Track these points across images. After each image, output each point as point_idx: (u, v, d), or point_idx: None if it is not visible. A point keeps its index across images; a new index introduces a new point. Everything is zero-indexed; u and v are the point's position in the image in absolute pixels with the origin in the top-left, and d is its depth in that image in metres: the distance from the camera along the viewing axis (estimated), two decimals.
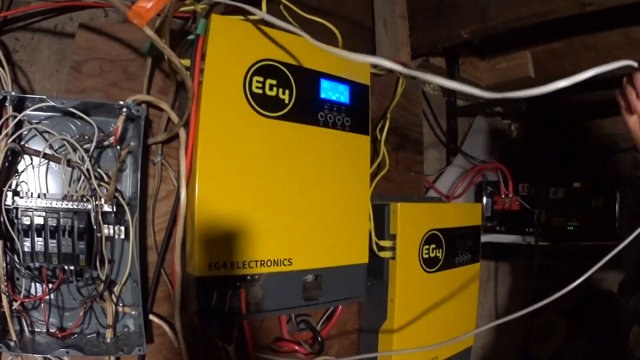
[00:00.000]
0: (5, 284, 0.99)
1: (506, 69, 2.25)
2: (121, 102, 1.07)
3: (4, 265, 0.99)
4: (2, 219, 0.99)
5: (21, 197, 1.03)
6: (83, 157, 1.04)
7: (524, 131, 2.75)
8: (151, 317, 1.17)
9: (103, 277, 1.07)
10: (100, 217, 1.05)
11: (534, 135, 2.83)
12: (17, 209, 1.03)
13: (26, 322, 1.06)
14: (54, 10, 1.29)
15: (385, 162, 1.59)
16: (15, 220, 1.02)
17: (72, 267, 1.04)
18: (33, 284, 1.07)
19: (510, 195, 2.00)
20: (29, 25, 1.27)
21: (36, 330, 1.08)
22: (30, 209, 1.02)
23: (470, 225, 1.68)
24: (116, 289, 1.12)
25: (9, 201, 1.01)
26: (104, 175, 1.10)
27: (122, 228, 1.10)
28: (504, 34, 1.71)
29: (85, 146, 1.06)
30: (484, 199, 2.08)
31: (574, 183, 1.86)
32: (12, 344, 1.00)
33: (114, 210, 1.08)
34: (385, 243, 1.42)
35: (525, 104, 2.48)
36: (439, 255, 1.54)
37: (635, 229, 0.92)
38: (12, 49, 1.24)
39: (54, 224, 1.01)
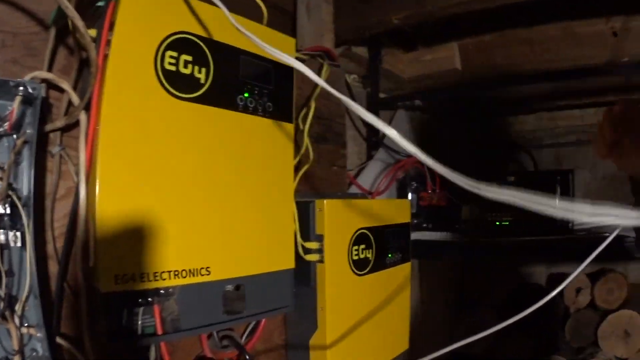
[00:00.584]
0: None
1: (431, 61, 2.23)
2: (15, 80, 0.88)
3: None
4: None
5: None
6: None
7: (447, 125, 2.74)
8: (58, 339, 0.98)
9: (2, 294, 0.88)
10: None
11: (458, 130, 2.83)
12: None
13: None
14: None
15: (308, 156, 1.46)
16: None
17: None
18: None
19: (437, 191, 1.94)
20: None
21: None
22: None
23: (400, 222, 1.60)
24: (17, 307, 0.91)
25: None
26: None
27: (19, 234, 0.90)
28: (431, 25, 1.65)
29: None
30: (410, 195, 2.01)
31: (508, 177, 1.83)
32: None
33: (7, 212, 0.89)
34: (312, 245, 1.29)
35: (448, 97, 2.47)
36: (370, 256, 1.43)
37: None
38: None
39: None
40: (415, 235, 1.92)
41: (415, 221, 1.98)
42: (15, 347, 0.90)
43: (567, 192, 1.72)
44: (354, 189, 1.98)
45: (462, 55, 2.11)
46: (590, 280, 2.95)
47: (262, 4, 1.24)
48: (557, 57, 1.92)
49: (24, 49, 1.02)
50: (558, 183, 1.70)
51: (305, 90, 1.55)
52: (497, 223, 1.83)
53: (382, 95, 2.34)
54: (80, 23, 0.87)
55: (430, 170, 1.95)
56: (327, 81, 1.50)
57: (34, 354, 0.95)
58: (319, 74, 1.57)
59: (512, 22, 1.94)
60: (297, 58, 1.39)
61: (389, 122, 2.30)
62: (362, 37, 1.84)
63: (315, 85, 1.54)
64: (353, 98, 2.11)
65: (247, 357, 1.21)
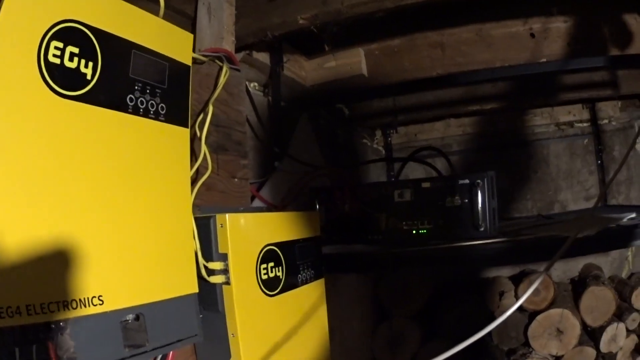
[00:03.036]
0: None
1: (335, 67, 2.23)
2: None
3: None
4: None
5: None
6: None
7: (349, 134, 2.74)
8: None
9: None
10: None
11: (360, 139, 2.84)
12: None
13: None
14: None
15: (206, 166, 1.38)
16: None
17: None
18: None
19: (347, 202, 1.91)
20: None
21: None
22: None
23: (310, 236, 1.55)
24: None
25: None
26: None
27: None
28: (338, 29, 1.63)
29: None
30: (318, 207, 1.97)
31: (422, 183, 1.81)
32: None
33: None
34: (216, 265, 1.21)
35: (348, 109, 2.46)
36: (280, 274, 1.37)
37: None
38: None
39: None
40: (326, 249, 1.88)
41: (325, 234, 1.94)
42: None
43: (491, 195, 1.74)
44: (257, 203, 1.93)
45: (368, 60, 2.11)
46: (513, 282, 3.07)
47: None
48: (470, 60, 1.95)
49: None
50: (478, 186, 1.70)
51: (203, 95, 1.48)
52: (414, 232, 1.81)
53: (283, 103, 2.29)
54: None
55: (340, 180, 1.92)
56: (227, 85, 1.45)
57: None
58: (217, 77, 1.52)
59: (422, 26, 1.96)
60: (194, 60, 1.32)
61: (293, 132, 2.27)
62: (264, 39, 1.79)
63: (214, 89, 1.49)
64: (254, 105, 2.07)
65: None
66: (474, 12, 1.79)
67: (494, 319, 2.56)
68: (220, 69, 1.53)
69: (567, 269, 3.23)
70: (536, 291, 2.86)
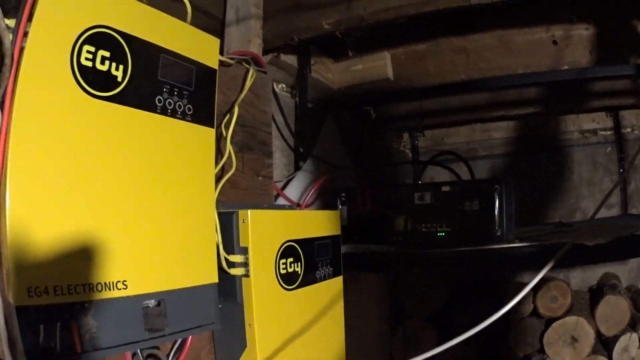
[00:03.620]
0: None
1: (362, 71, 2.25)
2: None
3: None
4: None
5: None
6: None
7: (375, 137, 2.76)
8: None
9: None
10: None
11: (386, 141, 2.86)
12: None
13: None
14: None
15: (231, 164, 1.43)
16: None
17: None
18: None
19: (368, 202, 1.95)
20: None
21: None
22: None
23: (330, 235, 1.59)
24: None
25: None
26: None
27: None
28: (363, 33, 1.67)
29: None
30: (340, 207, 2.02)
31: (442, 187, 1.84)
32: None
33: None
34: (236, 258, 1.27)
35: (375, 111, 2.49)
36: (298, 270, 1.42)
37: None
38: None
39: None
40: (346, 249, 1.92)
41: (346, 234, 1.98)
42: None
43: (509, 200, 1.76)
44: (281, 201, 1.97)
45: (394, 64, 2.14)
46: (532, 288, 3.03)
47: (188, 4, 1.22)
48: (493, 65, 1.97)
49: None
50: (496, 191, 1.72)
51: (230, 96, 1.54)
52: (433, 234, 1.84)
53: (310, 105, 2.33)
54: None
55: (363, 181, 1.96)
56: (253, 87, 1.51)
57: None
58: (244, 79, 1.57)
59: (446, 31, 1.98)
60: (221, 62, 1.39)
61: (318, 132, 2.31)
62: (291, 43, 1.83)
63: (240, 90, 1.54)
64: (280, 107, 2.11)
65: None
66: (496, 18, 1.81)
67: (509, 323, 2.57)
68: (247, 71, 1.58)
69: (585, 277, 3.20)
70: (553, 298, 2.85)
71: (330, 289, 1.57)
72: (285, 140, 2.17)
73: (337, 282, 1.61)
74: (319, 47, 2.15)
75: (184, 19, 1.20)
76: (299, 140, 2.18)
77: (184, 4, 1.22)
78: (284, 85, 2.26)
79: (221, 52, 1.74)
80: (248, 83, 1.56)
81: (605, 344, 2.92)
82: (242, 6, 1.82)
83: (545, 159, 3.31)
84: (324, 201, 2.07)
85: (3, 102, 0.87)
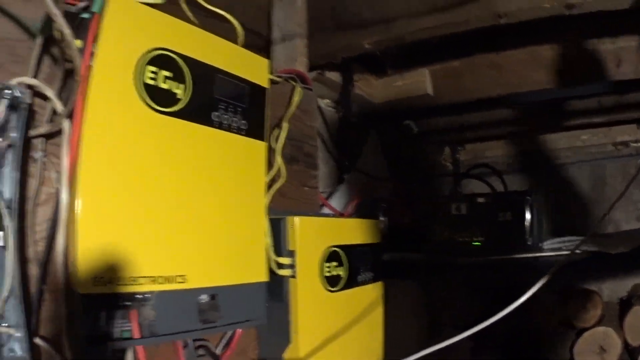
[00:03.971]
0: None
1: (402, 86, 2.28)
2: (4, 83, 0.95)
3: None
4: None
5: None
6: None
7: (416, 150, 2.80)
8: (37, 340, 1.01)
9: None
10: None
11: (427, 154, 2.89)
12: None
13: None
14: None
15: (280, 174, 1.53)
16: None
17: None
18: None
19: (407, 213, 2.02)
20: None
21: None
22: None
23: (372, 242, 1.65)
24: None
25: None
26: None
27: (1, 234, 0.95)
28: (402, 50, 1.73)
29: None
30: (380, 217, 2.08)
31: (478, 198, 1.89)
32: None
33: None
34: (284, 260, 1.35)
35: (415, 125, 2.54)
36: (341, 273, 1.49)
37: None
38: None
39: None
40: (386, 257, 1.97)
41: (386, 243, 2.04)
42: None
43: (539, 211, 1.80)
44: (326, 211, 2.04)
45: (433, 80, 2.17)
46: (564, 298, 3.04)
47: (238, 26, 1.32)
48: (524, 80, 2.00)
49: (8, 54, 1.08)
50: (527, 203, 1.77)
51: (278, 112, 1.62)
52: (468, 244, 1.88)
53: (354, 119, 2.39)
54: (67, 32, 0.93)
55: (400, 192, 2.03)
56: (300, 103, 1.60)
57: (12, 354, 0.98)
58: (291, 95, 1.66)
59: (480, 48, 2.01)
60: (270, 80, 1.48)
61: (362, 146, 2.37)
62: (334, 62, 1.89)
63: (288, 106, 1.63)
64: (325, 122, 2.18)
65: None
66: (526, 35, 1.83)
67: (541, 333, 2.58)
68: (294, 88, 1.66)
69: (616, 288, 3.16)
70: (584, 309, 2.85)
71: (370, 293, 1.62)
72: (330, 153, 2.22)
73: (377, 287, 1.66)
74: (361, 64, 2.20)
75: (235, 41, 1.31)
76: (342, 153, 2.24)
77: (235, 27, 1.33)
78: (328, 101, 2.32)
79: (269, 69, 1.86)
80: (295, 100, 1.65)
81: (630, 353, 2.90)
82: (286, 25, 1.90)
83: (579, 171, 3.29)
84: (366, 211, 2.11)
85: (72, 114, 0.97)
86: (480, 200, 1.89)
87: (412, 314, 2.68)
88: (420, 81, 2.21)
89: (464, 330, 2.89)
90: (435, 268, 1.93)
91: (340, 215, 2.03)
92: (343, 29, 1.82)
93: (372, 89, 2.34)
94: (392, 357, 2.44)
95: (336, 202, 2.11)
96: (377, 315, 1.66)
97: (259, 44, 1.97)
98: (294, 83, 1.69)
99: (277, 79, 1.62)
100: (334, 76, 2.19)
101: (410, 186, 2.29)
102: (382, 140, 2.49)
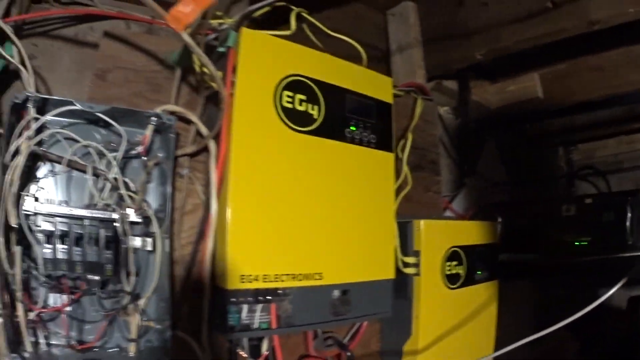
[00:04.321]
0: (22, 293, 0.91)
1: (515, 91, 2.23)
2: (151, 111, 1.03)
3: (21, 272, 0.91)
4: (20, 225, 0.91)
5: (41, 203, 0.96)
6: (110, 165, 1.00)
7: (533, 151, 2.73)
8: (177, 332, 1.10)
9: (129, 289, 1.01)
10: (127, 227, 0.99)
11: (541, 157, 2.81)
12: (37, 214, 0.95)
13: (42, 333, 0.98)
14: (75, 18, 1.26)
15: (406, 181, 1.56)
16: (34, 227, 0.94)
17: (96, 277, 0.96)
18: (52, 294, 0.99)
19: (522, 215, 1.98)
20: (48, 32, 1.23)
21: (52, 342, 0.99)
22: (53, 215, 0.95)
23: (489, 243, 1.64)
24: (142, 302, 1.05)
25: (29, 206, 0.94)
26: (130, 185, 1.04)
27: (149, 240, 1.04)
28: (512, 58, 1.71)
29: (112, 154, 1.01)
30: (498, 219, 2.05)
31: (585, 199, 1.83)
32: (26, 355, 0.93)
33: (141, 221, 1.03)
34: (410, 259, 1.38)
35: (532, 125, 2.46)
36: (461, 271, 1.49)
37: None
38: (31, 55, 1.17)
39: (79, 231, 0.95)
40: (502, 257, 1.95)
41: (503, 244, 2.01)
42: (134, 336, 1.02)
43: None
44: (448, 214, 2.04)
45: (543, 84, 2.12)
46: None
47: (362, 51, 1.37)
48: (623, 82, 1.90)
49: (147, 84, 1.18)
50: (628, 203, 1.68)
51: (402, 123, 1.65)
52: (576, 244, 1.82)
53: (472, 125, 2.34)
54: (212, 67, 1.00)
55: (516, 194, 1.99)
56: (422, 114, 1.61)
57: (149, 344, 1.07)
58: (413, 107, 1.68)
59: (583, 50, 1.94)
60: (393, 95, 1.50)
61: (481, 150, 2.33)
62: (449, 72, 1.90)
63: (411, 117, 1.66)
64: (445, 128, 2.17)
65: (349, 354, 1.31)
66: (623, 36, 1.74)
67: None
68: (416, 100, 1.68)
69: None
70: None
71: (486, 291, 1.61)
72: (451, 158, 2.21)
73: (493, 286, 1.65)
74: (476, 71, 2.18)
75: (358, 60, 1.35)
76: (463, 158, 2.23)
77: (359, 51, 1.38)
78: (447, 108, 2.30)
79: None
80: (418, 111, 1.67)
81: None
82: (403, 40, 1.93)
83: None
84: (486, 214, 2.08)
85: (218, 136, 1.05)
86: (588, 201, 1.81)
87: (525, 313, 2.61)
88: (530, 86, 2.15)
89: (573, 331, 2.77)
90: (549, 268, 1.87)
91: (462, 217, 2.03)
92: (455, 41, 1.83)
93: (488, 94, 2.31)
94: (504, 356, 2.39)
95: (458, 205, 2.11)
96: (491, 312, 1.65)
97: (379, 56, 2.00)
98: (415, 95, 1.71)
99: (400, 93, 1.65)
100: (451, 84, 2.18)
101: (526, 188, 2.22)
102: (500, 144, 2.45)
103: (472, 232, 1.59)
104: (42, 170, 1.00)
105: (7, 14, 1.12)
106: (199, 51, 0.96)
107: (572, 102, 2.09)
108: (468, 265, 1.52)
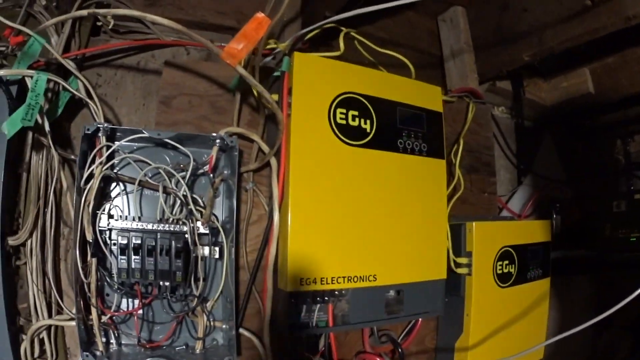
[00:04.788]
0: (96, 298, 1.04)
1: (567, 87, 2.22)
2: (215, 134, 1.13)
3: (95, 281, 1.04)
4: (96, 239, 1.04)
5: (115, 220, 1.09)
6: (179, 183, 1.12)
7: (587, 148, 2.69)
8: (241, 330, 1.22)
9: (196, 294, 1.12)
10: (196, 238, 1.11)
11: (596, 151, 2.77)
12: (110, 230, 1.09)
13: (114, 334, 1.12)
14: (136, 48, 1.37)
15: (460, 185, 1.62)
16: (109, 241, 1.09)
17: (167, 283, 1.09)
18: (123, 299, 1.13)
19: (577, 211, 1.99)
20: (110, 62, 1.35)
21: (123, 342, 1.13)
22: (127, 229, 1.09)
23: (541, 241, 1.67)
24: (209, 305, 1.18)
25: (103, 223, 1.07)
26: (199, 200, 1.16)
27: (217, 249, 1.16)
28: (562, 54, 1.71)
29: (181, 174, 1.13)
30: (554, 216, 2.07)
31: (635, 195, 1.83)
32: (98, 353, 1.06)
33: (209, 232, 1.15)
34: (462, 260, 1.44)
35: (588, 120, 2.45)
36: (512, 270, 1.54)
37: None
38: (95, 84, 1.31)
39: (152, 244, 1.07)
40: (557, 254, 1.96)
41: (558, 241, 2.03)
42: (200, 335, 1.16)
43: None
44: (505, 213, 2.08)
45: (594, 79, 2.10)
46: None
47: (410, 64, 1.45)
48: None
49: (210, 107, 1.29)
50: None
51: (456, 127, 1.72)
52: (628, 239, 1.82)
53: (528, 123, 2.39)
54: (267, 95, 1.09)
55: (573, 191, 2.01)
56: (475, 117, 1.66)
57: (214, 342, 1.21)
58: (467, 111, 1.74)
59: (630, 42, 1.90)
60: (446, 102, 1.57)
61: (538, 149, 2.34)
62: (501, 74, 1.92)
63: (464, 122, 1.71)
64: (500, 129, 2.19)
65: (400, 349, 1.39)
66: None
67: None
68: (468, 104, 1.74)
69: None
70: None
71: (538, 289, 1.64)
72: (508, 158, 2.23)
73: (545, 283, 1.67)
74: (529, 70, 2.20)
75: (409, 75, 1.44)
76: (519, 157, 2.24)
77: (408, 66, 1.46)
78: (503, 108, 2.34)
79: (444, 86, 1.93)
80: (470, 115, 1.72)
81: None
82: (455, 45, 1.97)
83: None
84: (542, 211, 2.13)
85: (278, 152, 1.16)
86: (637, 196, 1.81)
87: (581, 310, 2.59)
88: (582, 81, 2.12)
89: (628, 329, 2.71)
90: (604, 265, 1.88)
91: (518, 216, 2.05)
92: (504, 44, 1.84)
93: (542, 92, 2.29)
94: (557, 352, 2.40)
95: (515, 204, 2.14)
96: (543, 310, 1.67)
97: (434, 62, 2.05)
98: (467, 99, 1.76)
99: (452, 100, 1.71)
100: (505, 84, 2.20)
101: (583, 184, 2.21)
102: (556, 141, 2.43)
103: (523, 232, 1.62)
104: (115, 190, 1.13)
105: (67, 47, 1.25)
106: (254, 82, 1.05)
107: (621, 96, 2.07)
108: (519, 264, 1.56)
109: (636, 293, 0.90)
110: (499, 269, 1.50)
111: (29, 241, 1.15)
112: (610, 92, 2.06)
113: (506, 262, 1.52)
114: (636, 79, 1.95)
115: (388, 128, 1.29)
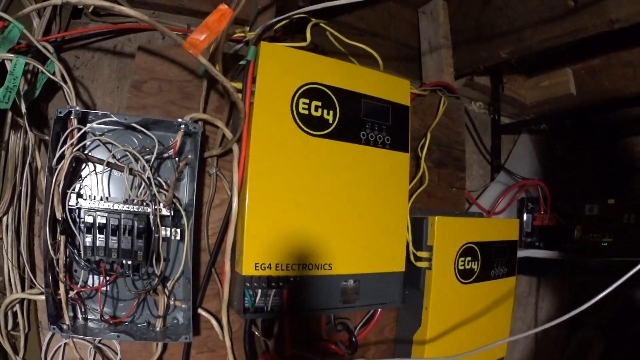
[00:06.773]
0: (64, 274, 1.12)
1: (549, 87, 2.26)
2: (179, 120, 1.20)
3: (64, 258, 1.13)
4: (65, 218, 1.12)
5: (84, 199, 1.17)
6: (144, 166, 1.19)
7: (567, 149, 2.74)
8: (200, 311, 1.31)
9: (158, 273, 1.20)
10: (158, 220, 1.19)
11: (576, 153, 2.81)
12: (79, 209, 1.17)
13: (80, 309, 1.21)
14: (113, 31, 1.45)
15: (425, 178, 1.67)
16: (78, 219, 1.16)
17: (129, 262, 1.17)
18: (90, 275, 1.22)
19: (549, 212, 2.06)
20: (88, 44, 1.43)
21: (89, 317, 1.22)
22: (93, 209, 1.17)
23: (507, 240, 1.72)
24: (169, 284, 1.26)
25: (72, 202, 1.15)
26: (163, 183, 1.23)
27: (178, 230, 1.23)
28: (545, 53, 1.75)
29: (146, 157, 1.20)
30: (525, 215, 2.13)
31: (608, 200, 1.89)
32: (64, 327, 1.14)
33: (172, 214, 1.22)
34: (423, 254, 1.50)
35: (569, 121, 2.50)
36: (475, 267, 1.59)
37: None
38: (73, 66, 1.40)
39: (116, 223, 1.16)
40: (526, 253, 2.06)
41: (528, 239, 2.12)
42: (161, 313, 1.24)
43: None
44: (475, 209, 2.14)
45: (576, 80, 2.15)
46: None
47: (378, 57, 1.49)
48: None
49: (179, 92, 1.36)
50: None
51: (427, 122, 1.78)
52: (598, 244, 1.88)
53: (507, 120, 2.46)
54: (228, 85, 1.16)
55: (544, 192, 2.08)
56: (447, 112, 1.73)
57: (175, 321, 1.29)
58: (439, 106, 1.81)
59: (615, 45, 2.00)
60: (418, 94, 1.63)
61: (512, 146, 2.39)
62: (478, 69, 1.99)
63: (435, 117, 1.78)
64: (473, 124, 2.24)
65: (353, 338, 1.46)
66: None
67: None
68: (441, 99, 1.80)
69: None
70: None
71: (501, 287, 1.70)
72: (482, 154, 2.33)
73: (509, 282, 1.73)
74: (510, 66, 2.21)
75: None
76: (493, 154, 2.32)
77: (376, 58, 1.50)
78: (480, 104, 2.40)
79: (420, 79, 2.02)
80: (441, 109, 1.80)
81: None
82: (433, 38, 2.04)
83: None
84: (513, 210, 2.20)
85: (240, 139, 1.24)
86: (611, 202, 1.88)
87: (554, 310, 2.65)
88: (563, 81, 2.16)
89: (601, 331, 2.78)
90: (567, 266, 1.94)
91: (487, 213, 2.14)
92: (482, 39, 1.88)
93: (522, 89, 2.34)
94: (528, 351, 2.47)
95: (485, 200, 2.21)
96: (507, 308, 1.73)
97: (414, 55, 2.12)
98: (440, 93, 1.83)
99: (424, 93, 1.77)
100: (484, 80, 2.26)
101: (558, 185, 2.26)
102: (534, 139, 2.48)
103: (489, 229, 1.68)
104: (85, 171, 1.21)
105: (48, 30, 1.32)
106: (216, 71, 1.13)
107: (603, 99, 2.10)
108: (483, 261, 1.62)
109: (604, 293, 0.96)
110: (461, 265, 1.56)
111: (5, 217, 1.25)
112: (592, 94, 2.10)
113: (469, 258, 1.59)
114: (620, 82, 2.00)
115: (351, 120, 1.36)
